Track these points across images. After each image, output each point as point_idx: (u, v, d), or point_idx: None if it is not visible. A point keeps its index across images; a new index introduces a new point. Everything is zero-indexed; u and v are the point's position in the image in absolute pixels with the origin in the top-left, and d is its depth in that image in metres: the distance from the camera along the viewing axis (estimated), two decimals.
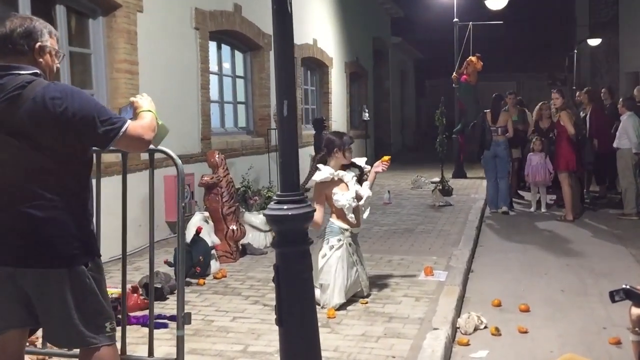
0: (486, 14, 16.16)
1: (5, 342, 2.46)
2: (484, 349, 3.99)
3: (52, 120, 2.27)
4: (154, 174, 2.83)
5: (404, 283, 5.17)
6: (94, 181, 2.88)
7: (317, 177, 4.69)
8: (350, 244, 4.71)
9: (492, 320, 4.47)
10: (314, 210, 2.95)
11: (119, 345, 3.36)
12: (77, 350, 2.77)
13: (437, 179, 11.16)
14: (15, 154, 2.30)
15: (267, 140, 9.71)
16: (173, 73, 7.33)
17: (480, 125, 9.22)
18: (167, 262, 5.35)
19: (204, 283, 5.26)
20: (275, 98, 2.81)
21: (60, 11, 5.87)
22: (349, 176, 4.79)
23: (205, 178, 6.04)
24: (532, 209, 9.30)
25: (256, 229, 6.50)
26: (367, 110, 15.17)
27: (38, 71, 2.39)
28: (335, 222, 4.72)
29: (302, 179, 8.88)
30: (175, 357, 2.95)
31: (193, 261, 5.28)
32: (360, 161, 4.96)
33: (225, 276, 5.50)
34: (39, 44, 2.41)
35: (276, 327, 2.85)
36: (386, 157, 4.94)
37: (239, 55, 9.97)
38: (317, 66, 13.66)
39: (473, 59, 12.05)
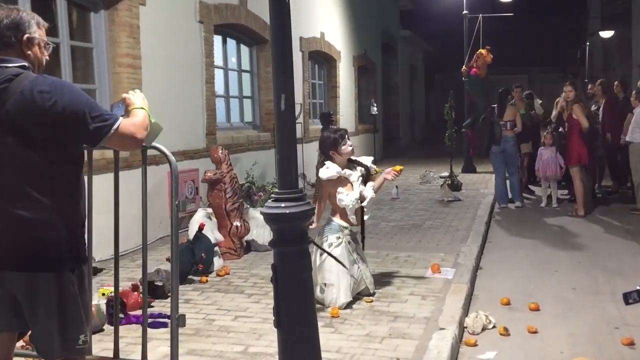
0: (497, 6, 15.93)
1: None
2: (492, 349, 3.88)
3: (41, 114, 2.17)
4: (146, 170, 2.73)
5: (410, 281, 5.06)
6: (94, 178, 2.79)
7: (323, 174, 4.59)
8: (349, 242, 4.61)
9: (501, 319, 4.35)
10: (313, 209, 2.85)
11: (111, 345, 3.27)
12: None
13: (446, 174, 11.02)
14: (1, 151, 2.21)
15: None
16: (177, 67, 7.23)
17: (488, 119, 9.08)
18: (168, 260, 5.25)
19: (207, 281, 5.18)
20: (273, 92, 2.71)
21: (61, 4, 5.78)
22: (355, 176, 4.69)
23: (209, 174, 5.95)
24: (543, 204, 9.15)
25: (261, 225, 6.41)
26: (375, 105, 15.03)
27: (26, 64, 2.29)
28: (336, 219, 4.63)
29: (309, 174, 8.76)
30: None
31: (195, 258, 5.19)
32: (367, 160, 4.84)
33: (229, 273, 5.42)
34: (26, 35, 2.31)
35: None
36: (398, 167, 4.81)
37: (244, 49, 9.86)
38: (325, 60, 13.52)
39: (483, 51, 11.82)
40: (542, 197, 9.28)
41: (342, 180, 4.63)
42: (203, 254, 5.24)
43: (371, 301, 4.54)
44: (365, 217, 4.78)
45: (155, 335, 3.91)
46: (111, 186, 3.04)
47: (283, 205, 2.70)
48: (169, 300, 4.68)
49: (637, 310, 4.18)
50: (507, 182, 9.25)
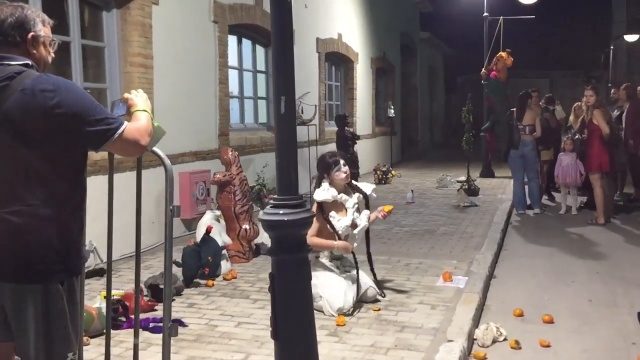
0: (518, 9, 15.68)
1: None
2: None
3: (42, 114, 2.07)
4: (141, 174, 2.63)
5: (420, 289, 4.92)
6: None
7: (318, 196, 4.50)
8: (331, 260, 4.59)
9: (513, 331, 4.19)
10: (313, 215, 2.74)
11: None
12: None
13: (463, 178, 10.85)
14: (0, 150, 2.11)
15: None
16: (189, 67, 7.18)
17: (507, 123, 8.90)
18: (175, 262, 5.18)
19: (213, 284, 5.09)
20: (273, 94, 2.60)
21: (72, 3, 5.74)
22: (351, 202, 4.61)
23: (218, 176, 5.87)
24: (562, 211, 8.94)
25: None
26: (392, 107, 14.88)
27: (29, 62, 2.20)
28: None
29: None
30: None
31: (202, 261, 5.12)
32: (367, 188, 4.76)
33: (236, 277, 5.33)
34: (31, 34, 2.22)
35: None
36: (387, 208, 4.70)
37: (260, 50, 9.79)
38: (342, 61, 13.41)
39: (503, 54, 11.64)
40: (562, 204, 9.07)
41: (337, 205, 4.56)
42: (210, 257, 5.16)
43: (378, 309, 4.41)
44: (355, 245, 4.66)
45: (154, 340, 3.83)
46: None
47: (282, 212, 2.60)
48: (172, 303, 4.63)
49: None
50: (526, 187, 9.06)
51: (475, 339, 4.06)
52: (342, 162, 4.56)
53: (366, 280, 4.60)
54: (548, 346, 3.99)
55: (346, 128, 10.67)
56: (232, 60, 8.62)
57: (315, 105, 10.37)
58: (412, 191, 9.97)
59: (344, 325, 4.10)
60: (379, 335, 3.93)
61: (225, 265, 5.46)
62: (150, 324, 4.11)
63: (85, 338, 3.85)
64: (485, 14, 13.97)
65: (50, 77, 2.16)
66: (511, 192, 9.55)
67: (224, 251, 5.51)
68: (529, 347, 3.98)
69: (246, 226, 5.86)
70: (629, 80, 20.47)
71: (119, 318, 4.18)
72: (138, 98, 2.44)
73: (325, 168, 4.57)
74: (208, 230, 5.30)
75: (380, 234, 7.03)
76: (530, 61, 22.82)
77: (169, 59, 6.74)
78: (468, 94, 10.95)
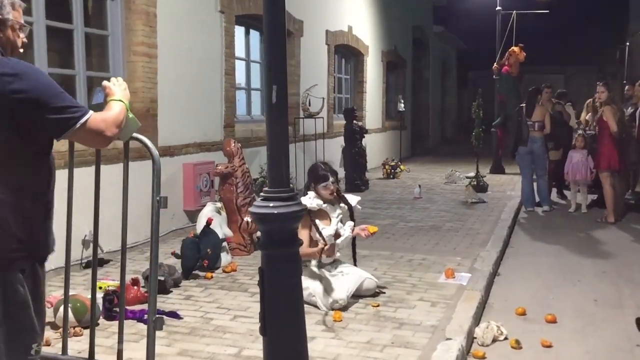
0: (531, 3, 15.46)
1: None
2: None
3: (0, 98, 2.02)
4: (128, 165, 2.57)
5: (422, 285, 4.84)
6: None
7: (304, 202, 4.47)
8: (319, 269, 4.51)
9: (514, 331, 4.10)
10: (305, 209, 2.66)
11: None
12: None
13: (472, 174, 10.73)
14: None
15: (294, 129, 9.44)
16: (195, 58, 7.10)
17: (516, 119, 8.76)
18: (174, 254, 5.15)
19: (212, 277, 5.04)
20: (265, 83, 2.53)
21: None
22: (336, 213, 4.60)
23: (220, 167, 5.82)
24: (572, 209, 8.79)
25: None
26: (402, 101, 14.75)
27: None
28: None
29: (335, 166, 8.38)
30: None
31: (201, 253, 5.07)
32: (353, 200, 4.74)
33: (235, 270, 5.28)
34: None
35: None
36: (372, 229, 4.61)
37: None
38: (352, 54, 13.29)
39: (515, 49, 11.50)
40: (571, 202, 8.93)
41: (322, 213, 4.54)
42: (209, 250, 5.11)
43: (377, 305, 4.34)
44: (337, 255, 4.64)
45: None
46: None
47: (272, 204, 2.53)
48: (169, 295, 4.60)
49: None
50: (535, 184, 8.92)
51: (475, 338, 3.97)
52: (331, 179, 4.54)
53: (362, 273, 4.54)
54: (550, 346, 3.90)
55: (354, 121, 10.58)
56: (239, 51, 8.54)
57: (323, 98, 10.29)
58: (419, 186, 9.87)
59: (341, 320, 4.04)
60: (376, 331, 3.85)
61: (225, 258, 5.41)
62: (145, 315, 4.06)
63: (78, 329, 3.82)
64: (498, 7, 13.79)
65: (12, 60, 2.12)
66: (520, 189, 9.41)
67: (224, 243, 5.46)
68: (530, 347, 3.89)
69: (248, 219, 5.80)
70: None
71: (114, 309, 4.13)
72: (116, 87, 2.39)
73: (314, 179, 4.59)
74: (208, 222, 5.25)
75: (385, 229, 6.95)
76: (544, 57, 22.53)
77: (174, 48, 6.68)
78: (479, 89, 10.81)
